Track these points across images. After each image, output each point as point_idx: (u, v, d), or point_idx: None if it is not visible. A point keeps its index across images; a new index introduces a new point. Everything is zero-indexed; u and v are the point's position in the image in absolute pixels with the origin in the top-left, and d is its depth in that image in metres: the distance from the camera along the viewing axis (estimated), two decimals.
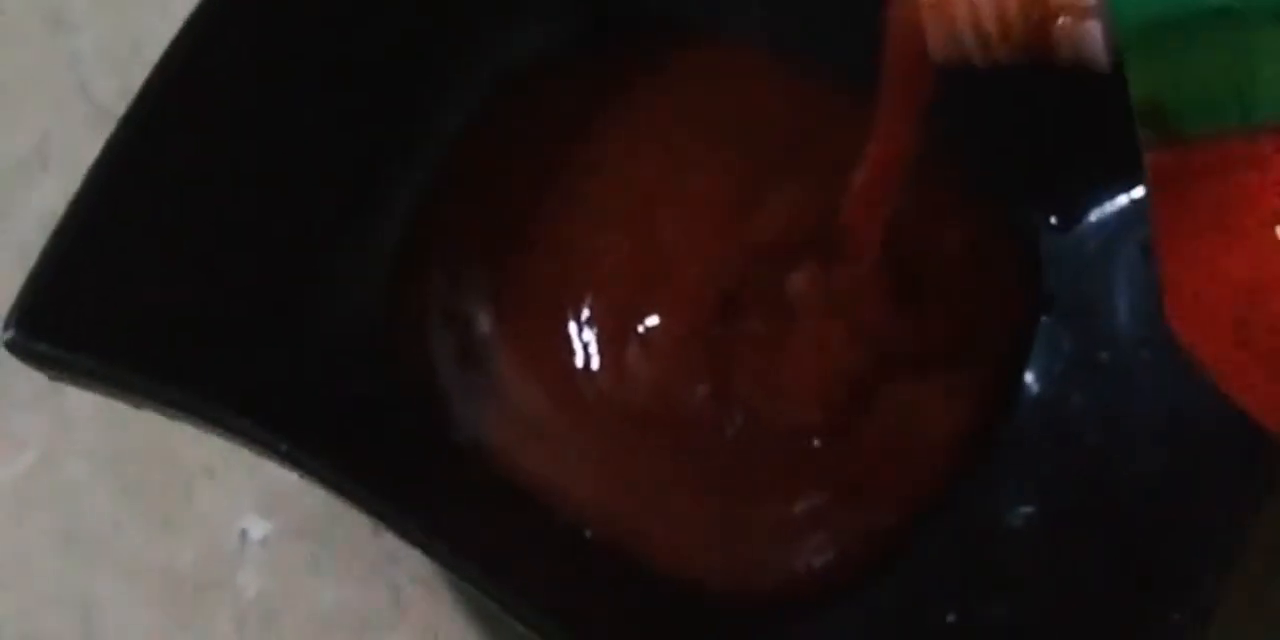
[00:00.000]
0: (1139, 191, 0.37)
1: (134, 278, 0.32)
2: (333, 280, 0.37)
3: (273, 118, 0.35)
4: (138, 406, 0.32)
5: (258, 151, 0.35)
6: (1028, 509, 0.37)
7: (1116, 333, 0.38)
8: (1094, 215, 0.39)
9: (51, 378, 0.31)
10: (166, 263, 0.33)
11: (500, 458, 0.37)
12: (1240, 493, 0.33)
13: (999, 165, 0.39)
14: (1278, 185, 0.26)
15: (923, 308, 0.39)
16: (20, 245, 0.41)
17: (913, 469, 0.38)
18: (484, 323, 0.38)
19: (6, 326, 0.30)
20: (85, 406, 0.40)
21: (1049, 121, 0.38)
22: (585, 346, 0.38)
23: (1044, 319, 0.39)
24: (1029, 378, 0.39)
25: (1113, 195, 0.38)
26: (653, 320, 0.38)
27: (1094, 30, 0.26)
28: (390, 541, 0.38)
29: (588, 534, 0.37)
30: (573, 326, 0.38)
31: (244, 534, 0.40)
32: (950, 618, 0.36)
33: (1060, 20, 0.27)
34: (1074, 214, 0.39)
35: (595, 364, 0.38)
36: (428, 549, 0.31)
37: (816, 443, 0.38)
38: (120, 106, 0.32)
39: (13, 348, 0.30)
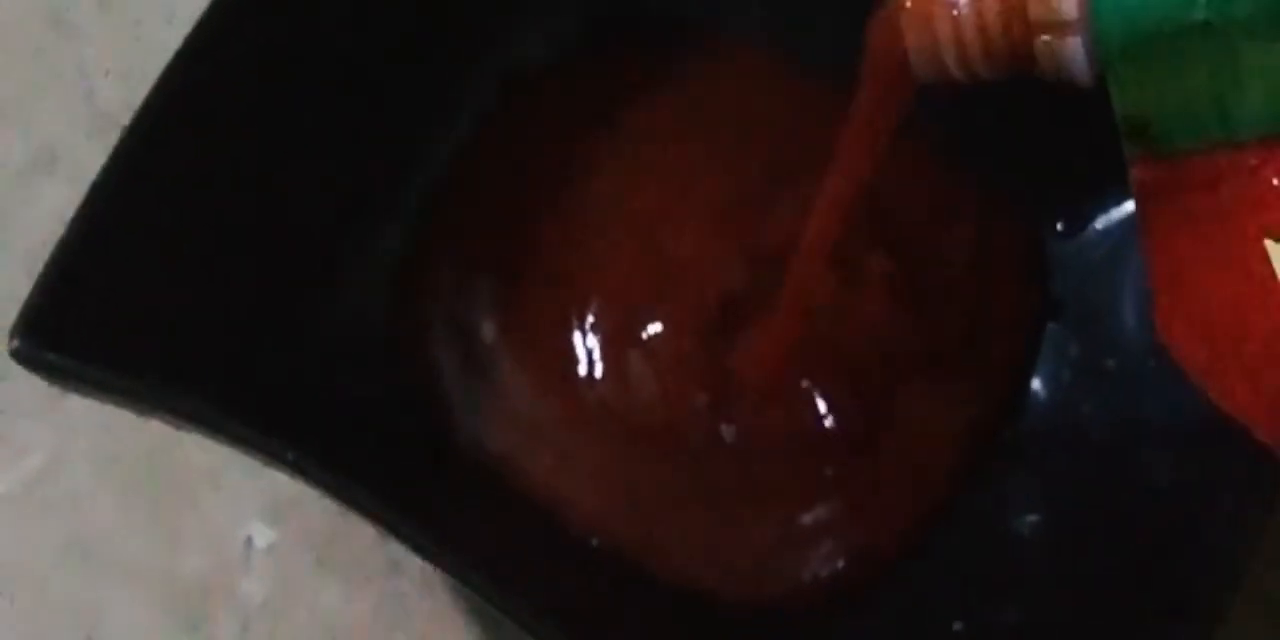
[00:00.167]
0: None
1: (140, 287, 0.32)
2: (338, 288, 0.37)
3: (277, 125, 0.35)
4: (143, 415, 0.31)
5: (263, 159, 0.35)
6: (1034, 516, 0.37)
7: (1123, 339, 0.38)
8: (1100, 222, 0.39)
9: (57, 386, 0.31)
10: (172, 272, 0.33)
11: (505, 466, 0.37)
12: (1248, 500, 0.33)
13: (1005, 172, 0.39)
14: (1262, 198, 0.26)
15: (930, 315, 0.39)
16: (25, 252, 0.41)
17: (920, 477, 0.38)
18: (487, 330, 0.38)
19: (13, 336, 0.30)
20: (90, 414, 0.40)
21: (1055, 128, 0.38)
22: (588, 354, 0.38)
23: (1051, 325, 0.39)
24: (1036, 384, 0.39)
25: (1119, 202, 0.38)
26: (655, 328, 0.38)
27: (1075, 46, 0.26)
28: (395, 549, 0.38)
29: (594, 542, 0.37)
30: (576, 334, 0.38)
31: (249, 541, 0.40)
32: (957, 626, 0.36)
33: (1042, 37, 0.27)
34: (1080, 221, 0.39)
35: (598, 372, 0.38)
36: (433, 557, 0.31)
37: (824, 452, 0.38)
38: (125, 113, 0.32)
39: (19, 357, 0.30)
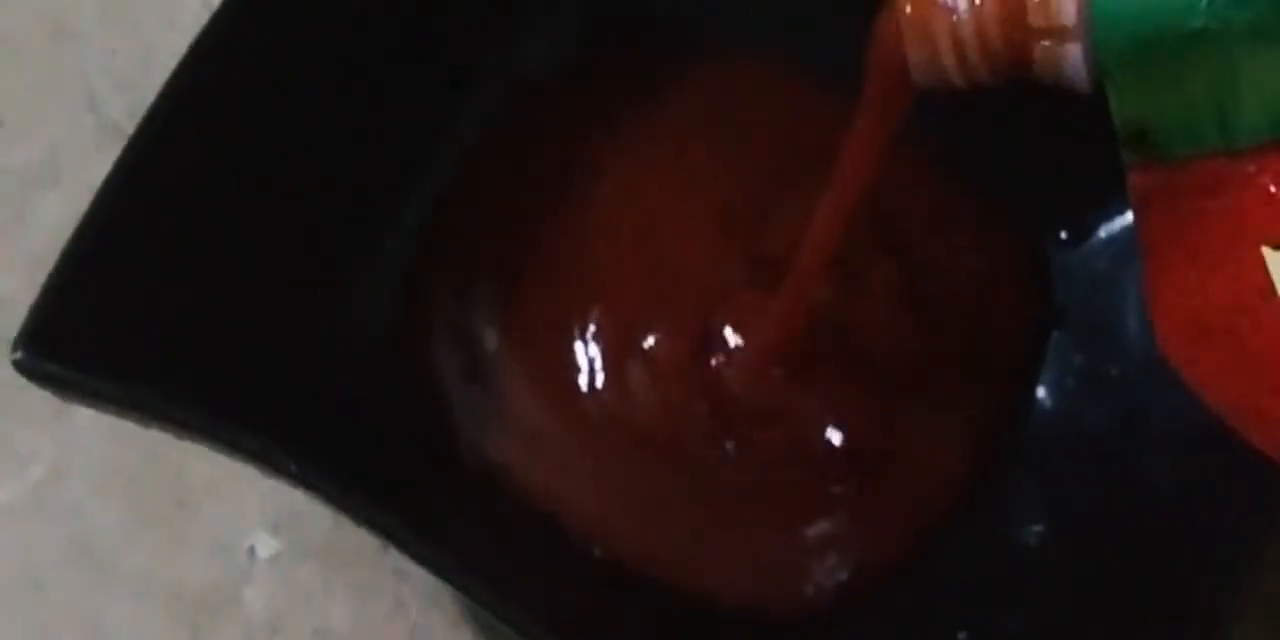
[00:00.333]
0: None
1: (143, 298, 0.32)
2: (341, 297, 0.37)
3: (280, 133, 0.35)
4: (147, 426, 0.31)
5: (268, 169, 0.35)
6: (1038, 524, 0.37)
7: (1127, 347, 0.38)
8: (1103, 230, 0.39)
9: (61, 398, 0.31)
10: (175, 283, 0.33)
11: (508, 475, 0.37)
12: (1253, 509, 0.32)
13: (1007, 181, 0.39)
14: (1262, 205, 0.26)
15: (934, 324, 0.39)
16: (28, 260, 0.41)
17: (925, 487, 0.38)
18: (489, 336, 0.38)
19: (15, 347, 0.30)
20: (92, 424, 0.40)
21: (1057, 137, 0.38)
22: (589, 361, 0.38)
23: (1055, 334, 0.39)
24: (1040, 392, 0.39)
25: (1121, 210, 0.38)
26: (656, 335, 0.38)
27: (1074, 53, 0.26)
28: (398, 559, 0.38)
29: (595, 551, 0.37)
30: (577, 342, 0.38)
31: (252, 551, 0.40)
32: (961, 635, 0.36)
33: (1041, 43, 0.26)
34: (1083, 229, 0.39)
35: (599, 379, 0.38)
36: (434, 567, 0.31)
37: (828, 464, 0.38)
38: (128, 120, 0.32)
39: (22, 368, 0.30)
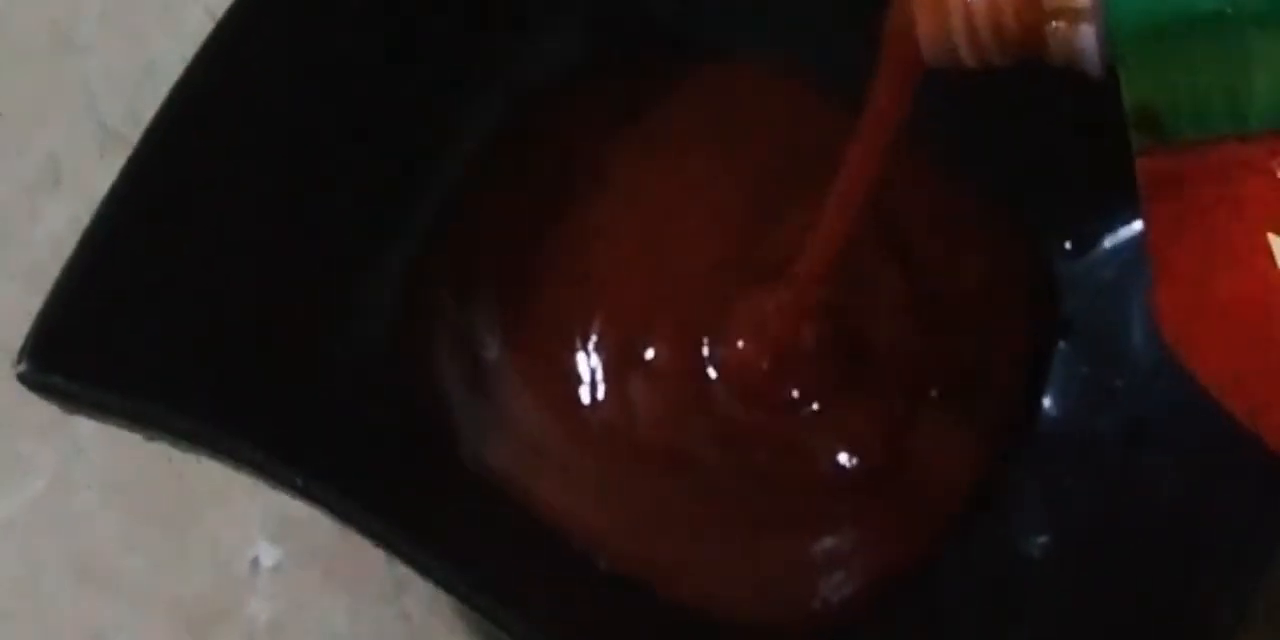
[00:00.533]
0: None
1: (146, 309, 0.32)
2: (346, 309, 0.37)
3: (286, 140, 0.35)
4: (151, 438, 0.31)
5: (271, 177, 0.34)
6: (1043, 537, 0.37)
7: (1133, 357, 0.38)
8: (1109, 241, 0.39)
9: (64, 410, 0.31)
10: (177, 293, 0.33)
11: (511, 487, 0.37)
12: (1262, 521, 0.32)
13: (1013, 192, 0.39)
14: (1270, 191, 0.26)
15: (942, 336, 0.39)
16: (30, 270, 0.41)
17: (932, 498, 0.38)
18: (492, 344, 0.38)
19: (20, 360, 0.30)
20: (94, 434, 0.40)
21: (1063, 148, 0.38)
22: (591, 374, 0.38)
23: (1061, 344, 0.39)
24: (1046, 403, 0.39)
25: (1127, 220, 0.38)
26: (658, 347, 0.38)
27: (1088, 34, 0.26)
28: (401, 569, 0.38)
29: (599, 562, 0.37)
30: (579, 354, 0.38)
31: (255, 561, 0.40)
32: None
33: (1054, 23, 0.26)
34: (1089, 240, 0.39)
35: (600, 393, 0.38)
36: (438, 578, 0.31)
37: (838, 479, 0.38)
38: (129, 128, 0.32)
39: (26, 381, 0.30)
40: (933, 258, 0.39)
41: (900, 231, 0.39)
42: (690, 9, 0.41)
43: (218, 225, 0.33)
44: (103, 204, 0.31)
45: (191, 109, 0.32)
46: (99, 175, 0.32)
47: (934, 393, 0.38)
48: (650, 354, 0.38)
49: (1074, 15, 0.26)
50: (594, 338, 0.38)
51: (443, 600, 0.39)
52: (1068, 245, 0.39)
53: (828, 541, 0.38)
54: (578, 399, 0.38)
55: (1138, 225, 0.38)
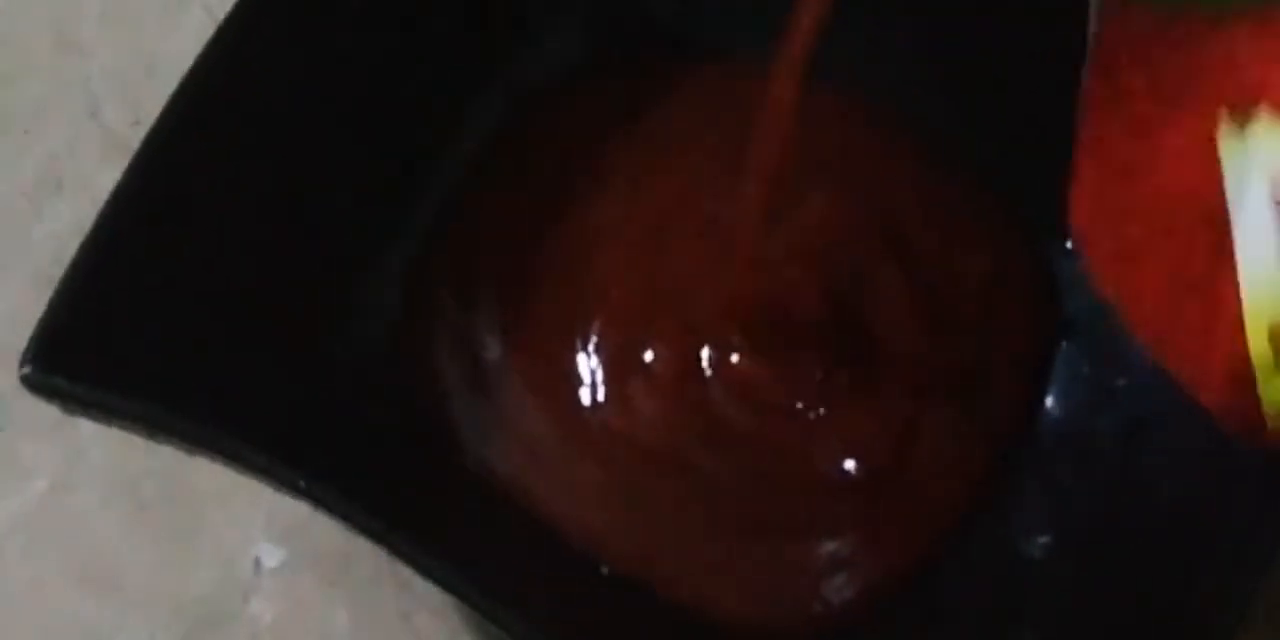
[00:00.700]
0: None
1: (148, 311, 0.32)
2: (346, 309, 0.37)
3: (288, 142, 0.35)
4: (154, 440, 0.31)
5: (272, 178, 0.35)
6: (1045, 537, 0.37)
7: (1134, 357, 0.37)
8: None
9: (68, 412, 0.31)
10: (180, 295, 0.33)
11: (512, 488, 0.37)
12: (1262, 521, 0.32)
13: (1015, 192, 0.39)
14: (1227, 66, 0.25)
15: (944, 336, 0.38)
16: (33, 272, 0.41)
17: (934, 499, 0.38)
18: (492, 345, 0.38)
19: (24, 362, 0.30)
20: (96, 436, 0.40)
21: (1066, 148, 0.37)
22: (592, 376, 0.38)
23: (1064, 344, 0.39)
24: (1049, 403, 0.39)
25: None
26: (658, 349, 0.38)
27: None
28: (403, 569, 0.37)
29: (599, 563, 0.37)
30: (580, 356, 0.38)
31: (257, 562, 0.40)
32: None
33: None
34: None
35: (601, 395, 0.38)
36: (440, 579, 0.31)
37: (835, 476, 0.38)
38: (131, 130, 0.32)
39: (30, 383, 0.30)
40: (935, 260, 0.39)
41: (901, 233, 0.39)
42: (690, 9, 0.41)
43: (219, 226, 0.33)
44: (106, 206, 0.31)
45: (193, 110, 0.32)
46: (101, 178, 0.32)
47: (935, 393, 0.38)
48: (650, 355, 0.38)
49: None
50: (594, 338, 0.38)
51: (443, 601, 0.39)
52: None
53: (828, 543, 0.38)
54: (578, 399, 0.38)
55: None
